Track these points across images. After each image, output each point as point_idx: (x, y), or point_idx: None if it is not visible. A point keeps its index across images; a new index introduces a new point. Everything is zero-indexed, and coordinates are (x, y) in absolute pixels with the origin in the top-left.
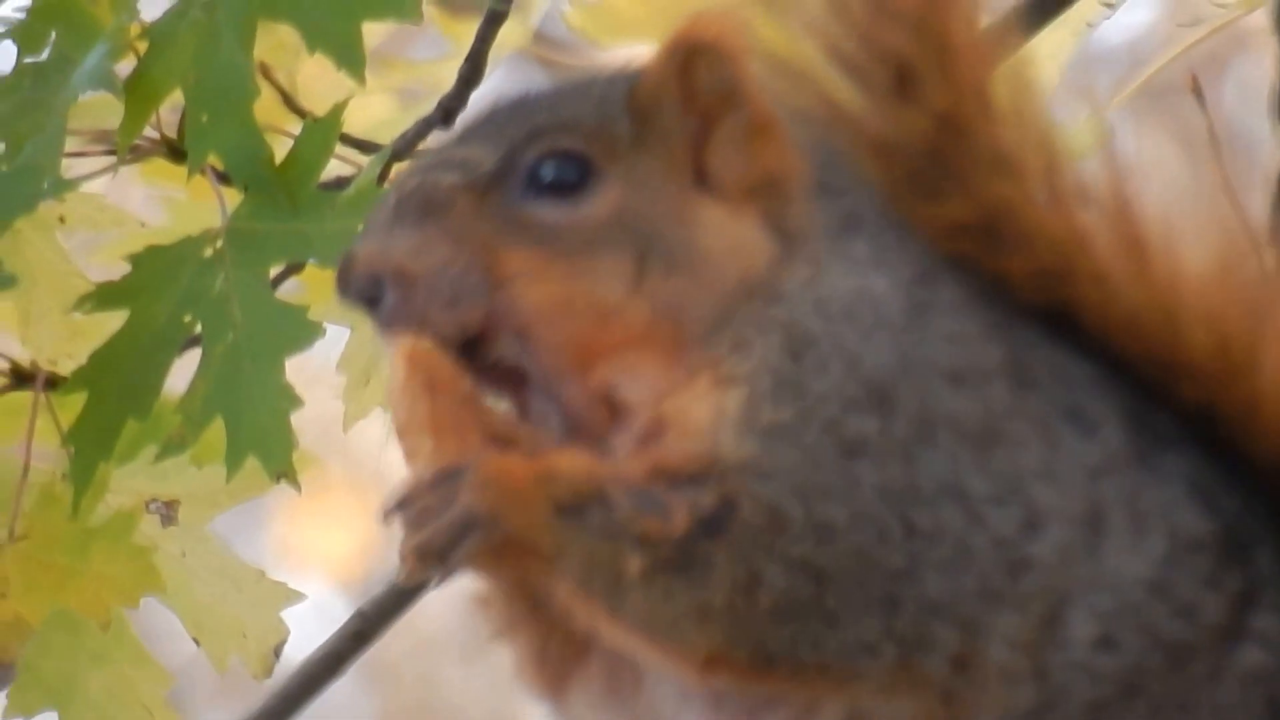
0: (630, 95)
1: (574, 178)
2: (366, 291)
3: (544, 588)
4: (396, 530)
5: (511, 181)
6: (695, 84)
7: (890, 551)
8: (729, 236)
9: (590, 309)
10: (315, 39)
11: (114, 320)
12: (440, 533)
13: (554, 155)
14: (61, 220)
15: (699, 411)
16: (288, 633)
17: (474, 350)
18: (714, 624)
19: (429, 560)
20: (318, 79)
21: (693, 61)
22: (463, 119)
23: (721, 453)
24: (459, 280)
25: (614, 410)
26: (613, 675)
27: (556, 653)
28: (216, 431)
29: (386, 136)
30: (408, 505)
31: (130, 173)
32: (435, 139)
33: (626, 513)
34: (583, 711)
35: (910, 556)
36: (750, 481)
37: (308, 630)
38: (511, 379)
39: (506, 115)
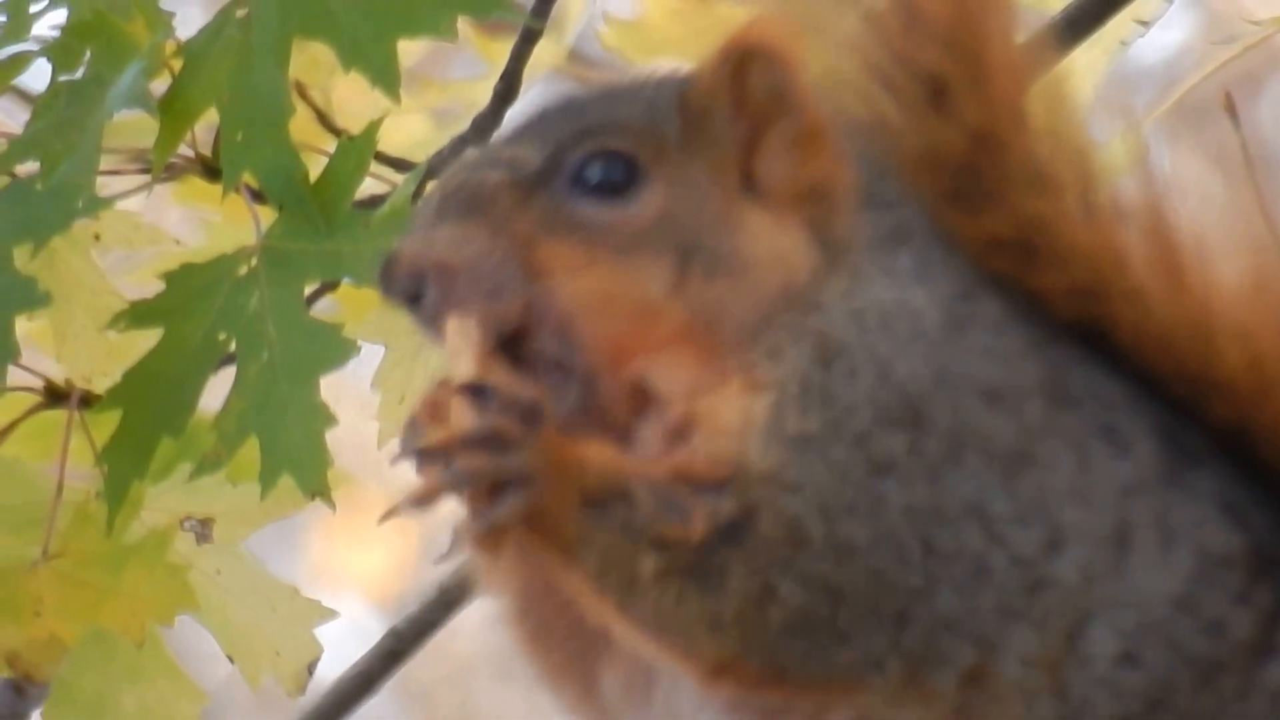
0: (681, 98)
1: (620, 178)
2: (409, 289)
3: (557, 580)
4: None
5: (557, 180)
6: (748, 88)
7: (908, 572)
8: (773, 244)
9: (630, 308)
10: (351, 57)
11: (149, 338)
12: (496, 471)
13: (601, 155)
14: (97, 238)
15: (728, 414)
16: (321, 650)
17: (515, 345)
18: (725, 633)
19: (467, 498)
20: (353, 98)
21: (746, 65)
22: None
23: (747, 460)
24: (498, 269)
25: (644, 404)
26: (632, 672)
27: (576, 641)
28: (251, 450)
29: (421, 155)
30: (489, 417)
31: (165, 191)
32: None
33: (648, 513)
34: (611, 703)
35: (927, 575)
36: (774, 494)
37: (345, 649)
38: (547, 374)
39: (556, 115)
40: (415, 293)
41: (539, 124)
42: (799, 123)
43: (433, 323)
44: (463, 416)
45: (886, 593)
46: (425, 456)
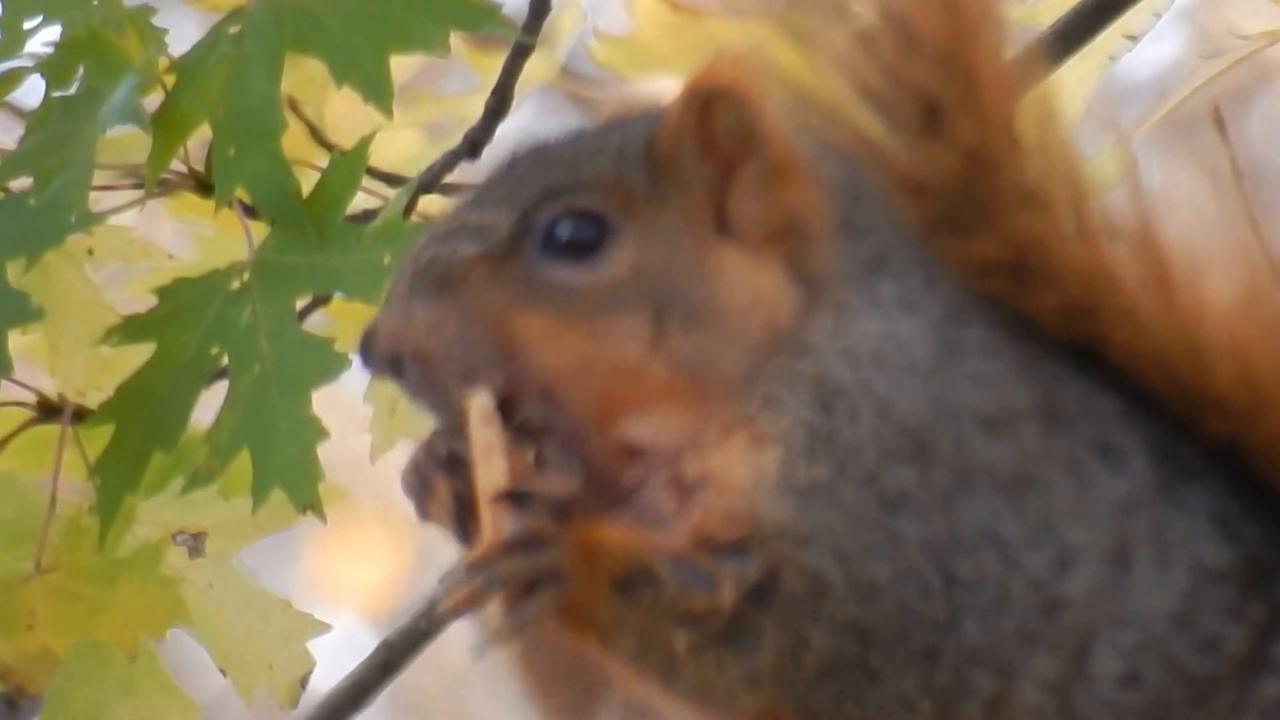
0: (648, 145)
1: (591, 236)
2: (388, 368)
3: (595, 660)
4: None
5: (528, 244)
6: (714, 130)
7: (931, 604)
8: (751, 287)
9: (610, 369)
10: (343, 72)
11: (141, 353)
12: (532, 570)
13: (569, 214)
14: (90, 253)
15: (738, 471)
16: (314, 663)
17: (503, 410)
18: (763, 688)
19: (505, 596)
20: (345, 113)
21: (710, 107)
22: (489, 152)
23: (761, 515)
24: (472, 353)
25: (639, 462)
26: (631, 708)
27: (579, 682)
28: (243, 463)
29: (413, 170)
30: (527, 519)
31: (158, 206)
32: (462, 172)
33: (673, 590)
34: None
35: (951, 607)
36: (789, 548)
37: (339, 662)
38: (538, 436)
39: (523, 171)
40: (396, 368)
41: (506, 182)
42: (768, 158)
43: (415, 398)
44: (503, 522)
45: (913, 628)
46: (472, 570)
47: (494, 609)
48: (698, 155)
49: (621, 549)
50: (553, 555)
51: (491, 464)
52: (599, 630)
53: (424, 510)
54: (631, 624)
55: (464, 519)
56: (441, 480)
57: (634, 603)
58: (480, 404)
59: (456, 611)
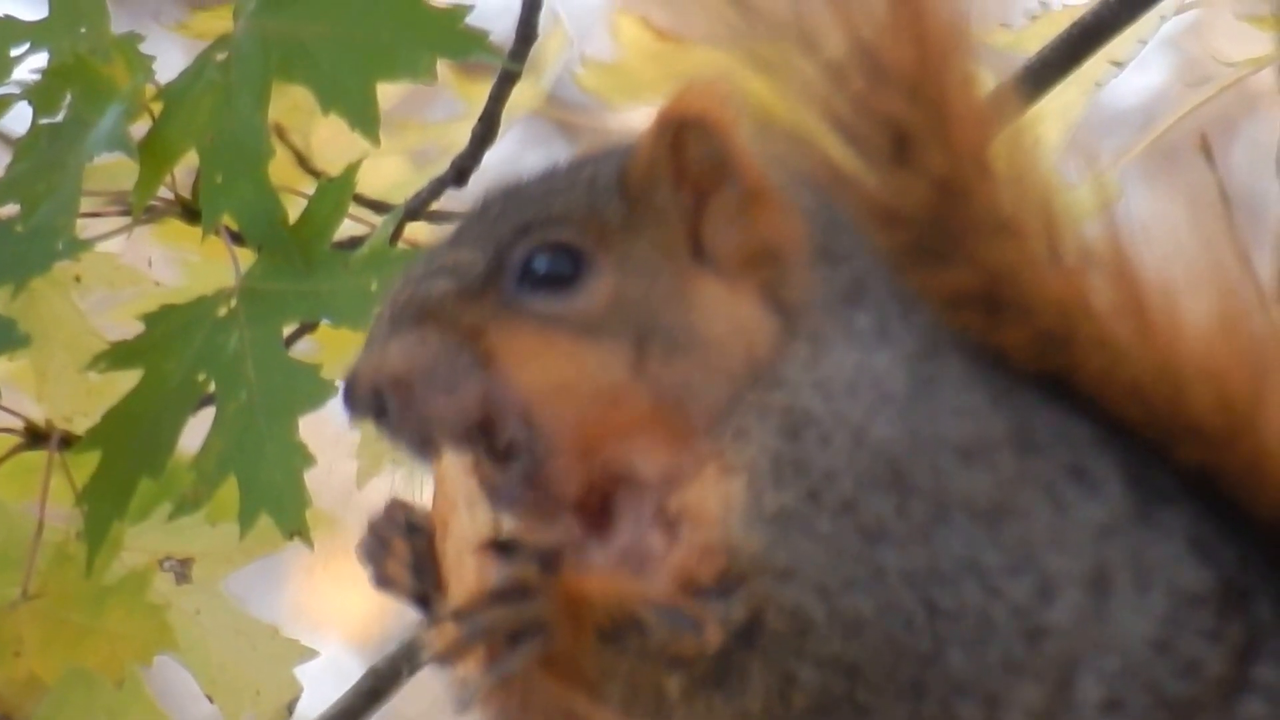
0: (622, 176)
1: (567, 270)
2: (371, 407)
3: (582, 711)
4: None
5: (505, 280)
6: (686, 159)
7: (916, 636)
8: (729, 316)
9: (591, 393)
10: (330, 100)
11: (128, 379)
12: (515, 621)
13: (544, 249)
14: (77, 279)
15: (709, 504)
16: (301, 689)
17: (487, 439)
18: None
19: (488, 645)
20: (332, 140)
21: (682, 136)
22: (476, 179)
23: (735, 546)
24: (451, 363)
25: (620, 490)
26: None
27: None
28: (230, 490)
29: (400, 197)
30: (513, 569)
31: (145, 233)
32: (448, 199)
33: (661, 635)
34: None
35: (935, 638)
36: (771, 585)
37: (325, 689)
38: (524, 471)
39: (496, 210)
40: (379, 409)
41: (479, 222)
42: (741, 186)
43: (399, 435)
44: (489, 571)
45: (899, 661)
46: (456, 619)
47: (475, 664)
48: (671, 184)
49: (606, 598)
50: (538, 606)
51: (475, 514)
52: (586, 681)
53: (381, 573)
54: (619, 672)
55: (423, 578)
56: (400, 541)
57: (621, 651)
58: (460, 456)
59: (441, 661)
